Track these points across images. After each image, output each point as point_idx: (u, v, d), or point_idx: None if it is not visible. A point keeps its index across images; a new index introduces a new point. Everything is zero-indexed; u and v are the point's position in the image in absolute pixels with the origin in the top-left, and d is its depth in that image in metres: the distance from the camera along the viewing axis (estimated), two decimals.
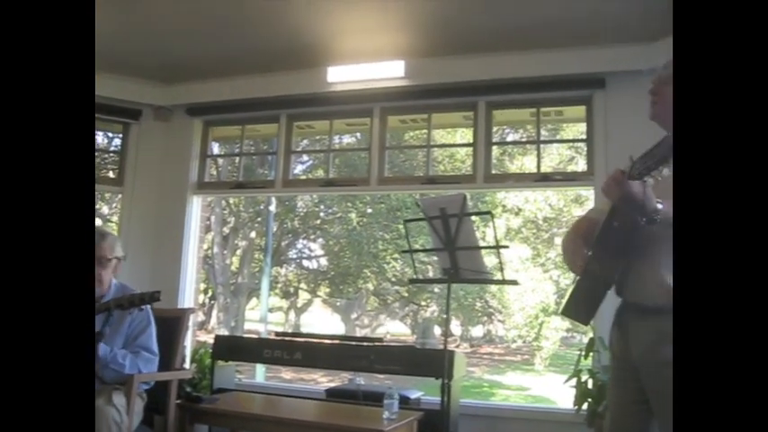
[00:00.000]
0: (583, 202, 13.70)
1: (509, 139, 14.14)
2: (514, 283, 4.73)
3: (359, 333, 17.76)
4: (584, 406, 4.47)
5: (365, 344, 4.85)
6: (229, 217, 16.67)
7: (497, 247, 3.56)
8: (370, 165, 5.77)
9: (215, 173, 13.48)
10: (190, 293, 6.10)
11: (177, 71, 6.00)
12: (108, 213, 14.51)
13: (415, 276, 5.13)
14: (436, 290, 15.65)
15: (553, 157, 15.00)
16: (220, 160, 13.93)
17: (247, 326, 17.71)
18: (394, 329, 23.57)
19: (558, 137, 12.58)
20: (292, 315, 20.00)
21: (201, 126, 6.41)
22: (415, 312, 19.11)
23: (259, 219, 16.78)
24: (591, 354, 4.62)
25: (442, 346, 3.86)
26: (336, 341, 5.09)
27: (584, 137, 5.43)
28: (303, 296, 20.04)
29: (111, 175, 6.66)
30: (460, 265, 3.46)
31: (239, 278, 16.82)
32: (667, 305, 2.11)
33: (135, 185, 6.25)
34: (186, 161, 6.27)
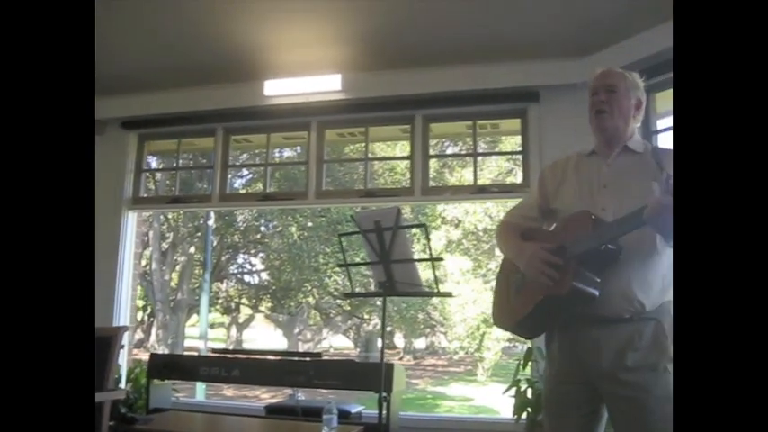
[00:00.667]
0: None
1: (449, 151, 14.27)
2: (449, 294, 4.75)
3: (301, 347, 17.66)
4: (524, 415, 4.51)
5: (304, 359, 4.82)
6: (168, 232, 16.43)
7: (432, 259, 3.57)
8: (308, 178, 5.74)
9: (153, 187, 13.29)
10: (125, 311, 5.95)
11: (111, 84, 5.87)
12: None
13: (350, 290, 5.11)
14: (378, 303, 15.59)
15: (492, 170, 15.20)
16: (158, 174, 13.75)
17: (188, 343, 17.45)
18: (337, 343, 23.48)
19: (497, 149, 12.75)
20: (234, 331, 19.80)
21: (136, 140, 6.28)
22: (357, 326, 19.10)
23: (198, 234, 16.57)
24: (529, 363, 4.67)
25: (385, 361, 3.85)
26: (275, 357, 5.04)
27: (520, 149, 5.50)
28: (245, 311, 19.86)
29: None
30: (396, 278, 3.45)
31: (179, 294, 16.57)
32: (625, 315, 2.21)
33: None
34: (121, 176, 6.13)
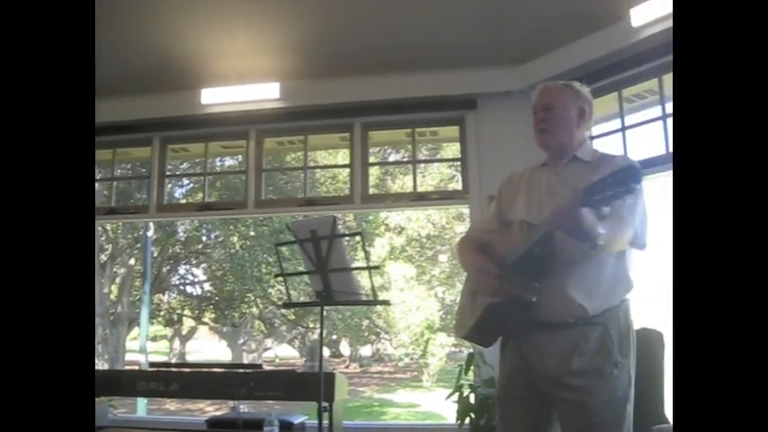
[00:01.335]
0: (465, 219, 14.00)
1: (391, 158, 14.31)
2: (386, 302, 4.76)
3: (246, 358, 17.46)
4: (467, 420, 4.52)
5: (244, 371, 4.75)
6: (107, 244, 16.04)
7: (369, 268, 3.55)
8: (248, 188, 5.68)
9: None
10: None
11: None
12: None
13: (289, 300, 5.05)
14: (323, 312, 15.54)
15: (435, 176, 15.29)
16: (96, 185, 13.42)
17: (129, 357, 17.06)
18: (282, 353, 23.29)
19: (439, 156, 12.83)
20: (177, 343, 19.47)
21: None
22: (302, 335, 18.96)
23: (138, 245, 16.23)
24: (471, 368, 4.69)
25: (331, 368, 3.81)
26: (215, 369, 4.95)
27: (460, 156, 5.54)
28: (188, 323, 19.54)
29: None
30: (333, 287, 3.43)
31: (119, 307, 16.18)
32: (570, 320, 2.24)
33: None
34: None
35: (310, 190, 6.17)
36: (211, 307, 18.66)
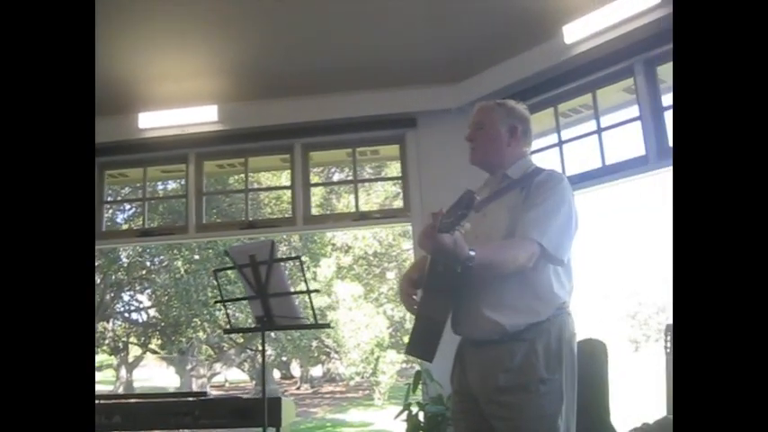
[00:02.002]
0: (410, 236, 14.06)
1: (335, 178, 14.31)
2: (327, 326, 4.73)
3: (195, 384, 17.17)
4: None
5: (188, 399, 4.65)
6: None
7: (308, 291, 3.52)
8: (188, 211, 5.60)
9: None
10: None
11: None
12: None
13: (231, 326, 4.99)
14: (272, 334, 15.45)
15: (380, 194, 15.35)
16: None
17: None
18: (232, 377, 22.98)
19: (383, 174, 12.87)
20: (124, 371, 19.05)
21: None
22: (252, 358, 18.74)
23: None
24: (419, 386, 4.68)
25: (282, 391, 3.76)
26: (157, 399, 4.83)
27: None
28: (134, 351, 19.17)
29: None
30: (274, 312, 3.39)
31: None
32: (494, 337, 2.25)
33: None
34: None
35: (254, 212, 6.13)
36: (158, 333, 18.34)
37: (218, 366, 19.08)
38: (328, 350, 18.44)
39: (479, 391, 2.31)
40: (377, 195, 15.27)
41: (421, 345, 2.44)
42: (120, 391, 16.86)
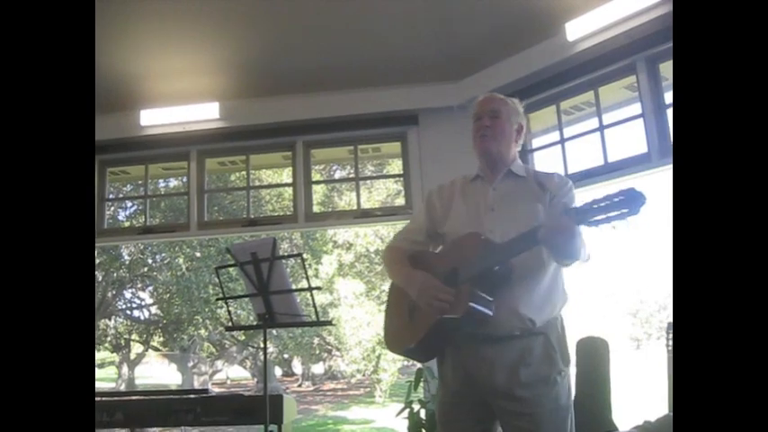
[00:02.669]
0: None
1: (337, 175, 14.31)
2: (329, 323, 4.72)
3: (197, 381, 17.18)
4: None
5: (190, 396, 4.65)
6: None
7: (310, 289, 3.52)
8: (190, 209, 5.60)
9: None
10: None
11: None
12: None
13: (232, 323, 4.98)
14: (274, 331, 15.45)
15: (381, 192, 15.34)
16: None
17: None
18: (234, 374, 23.01)
19: (385, 171, 12.85)
20: (126, 369, 19.08)
21: None
22: (253, 355, 18.75)
23: None
24: (421, 383, 4.68)
25: (284, 388, 3.76)
26: (159, 396, 4.84)
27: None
28: (136, 348, 19.20)
29: None
30: (275, 309, 3.39)
31: None
32: (515, 332, 2.25)
33: None
34: None
35: (256, 209, 6.13)
36: (159, 330, 18.36)
37: (219, 364, 19.11)
38: (330, 347, 18.45)
39: (495, 388, 2.27)
40: (378, 193, 15.27)
41: (432, 345, 2.42)
42: (122, 388, 16.88)
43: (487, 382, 2.29)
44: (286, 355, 20.01)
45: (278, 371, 22.28)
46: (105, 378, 19.33)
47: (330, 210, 13.31)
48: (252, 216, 5.91)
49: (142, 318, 18.76)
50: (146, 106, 5.44)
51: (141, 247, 16.04)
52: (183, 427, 5.01)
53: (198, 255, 15.41)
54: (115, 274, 16.95)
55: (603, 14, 4.21)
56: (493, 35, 4.73)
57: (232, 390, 19.24)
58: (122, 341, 18.79)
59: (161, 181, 12.75)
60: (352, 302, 15.54)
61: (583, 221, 1.98)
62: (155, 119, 5.45)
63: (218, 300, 13.07)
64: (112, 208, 14.62)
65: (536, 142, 5.05)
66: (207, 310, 15.62)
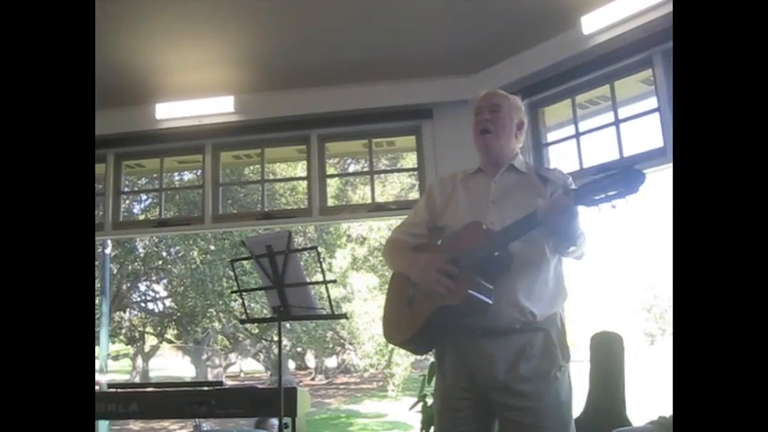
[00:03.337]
0: None
1: (351, 169, 14.31)
2: (344, 316, 4.73)
3: (210, 374, 17.26)
4: (432, 430, 4.52)
5: (204, 388, 4.67)
6: None
7: (325, 282, 3.52)
8: (204, 202, 5.61)
9: None
10: None
11: None
12: None
13: (247, 316, 5.01)
14: (287, 325, 15.51)
15: (395, 186, 15.34)
16: None
17: None
18: (247, 367, 23.13)
19: (399, 165, 12.86)
20: (140, 361, 19.20)
21: None
22: (267, 348, 18.85)
23: (96, 262, 16.01)
24: (434, 377, 4.68)
25: (297, 381, 3.78)
26: (174, 388, 4.86)
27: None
28: (150, 340, 19.33)
29: None
30: (290, 302, 3.40)
31: None
32: (516, 326, 2.25)
33: None
34: None
35: (270, 202, 6.13)
36: (174, 323, 18.47)
37: (233, 356, 19.22)
38: (343, 341, 18.51)
39: (495, 382, 2.27)
40: (393, 186, 15.26)
41: (430, 336, 2.40)
42: (137, 380, 16.98)
43: (486, 376, 2.29)
44: (299, 349, 20.08)
45: (291, 364, 22.36)
46: (120, 370, 19.45)
47: (344, 203, 13.33)
48: (266, 209, 5.91)
49: (156, 310, 18.89)
50: (161, 100, 5.46)
51: (156, 240, 16.13)
52: (197, 419, 5.03)
53: (212, 248, 15.49)
54: (130, 267, 17.07)
55: (619, 8, 4.18)
56: (508, 28, 4.70)
57: (246, 382, 19.33)
58: (137, 333, 18.92)
59: (176, 174, 12.82)
60: (365, 296, 15.58)
61: (582, 201, 1.98)
62: (170, 112, 5.46)
63: (232, 293, 13.13)
64: (127, 201, 14.70)
65: (551, 136, 5.03)
66: (221, 302, 15.71)
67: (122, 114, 5.51)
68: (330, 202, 5.67)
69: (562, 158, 4.95)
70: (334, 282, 11.29)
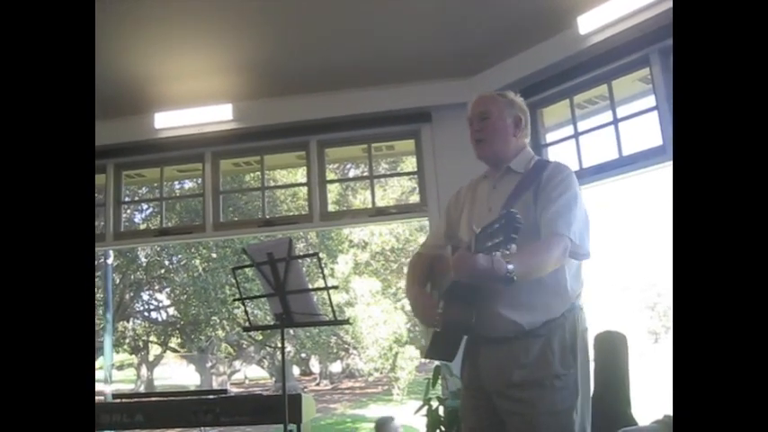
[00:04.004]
0: (427, 231, 14.04)
1: (351, 174, 14.33)
2: (346, 322, 4.71)
3: (215, 381, 17.27)
4: None
5: (209, 397, 4.68)
6: None
7: (327, 288, 3.53)
8: (205, 210, 5.61)
9: None
10: None
11: None
12: None
13: (250, 323, 5.01)
14: (291, 331, 15.51)
15: (396, 190, 15.35)
16: None
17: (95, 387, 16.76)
18: (252, 374, 23.09)
19: (399, 169, 12.85)
20: (144, 370, 19.22)
21: None
22: (271, 355, 18.83)
23: (98, 273, 16.01)
24: (439, 381, 4.68)
25: (302, 387, 3.78)
26: (178, 397, 4.87)
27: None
28: (154, 349, 19.32)
29: None
30: (292, 309, 3.40)
31: None
32: (510, 335, 2.25)
33: None
34: None
35: (271, 209, 6.13)
36: (177, 332, 18.47)
37: (237, 364, 19.20)
38: (347, 346, 18.48)
39: (493, 386, 2.31)
40: (393, 191, 15.28)
41: (444, 348, 2.45)
42: (142, 389, 16.99)
43: (487, 381, 2.35)
44: (304, 354, 20.07)
45: (296, 370, 22.35)
46: (125, 380, 19.48)
47: (345, 209, 13.34)
48: (267, 216, 5.91)
49: (160, 319, 18.88)
50: (159, 109, 5.46)
51: (158, 249, 16.13)
52: (202, 428, 5.03)
53: (214, 256, 15.49)
54: (132, 277, 17.07)
55: (615, 7, 4.18)
56: (505, 30, 4.71)
57: (250, 389, 19.33)
58: (141, 343, 18.91)
59: (176, 183, 12.82)
60: (368, 301, 15.57)
61: (480, 250, 1.93)
62: (169, 121, 5.46)
63: (235, 300, 13.14)
64: (129, 210, 14.71)
65: (550, 137, 5.03)
66: (224, 310, 15.71)
67: (121, 124, 5.51)
68: (331, 208, 5.67)
69: (561, 159, 4.94)
70: (336, 288, 11.32)
